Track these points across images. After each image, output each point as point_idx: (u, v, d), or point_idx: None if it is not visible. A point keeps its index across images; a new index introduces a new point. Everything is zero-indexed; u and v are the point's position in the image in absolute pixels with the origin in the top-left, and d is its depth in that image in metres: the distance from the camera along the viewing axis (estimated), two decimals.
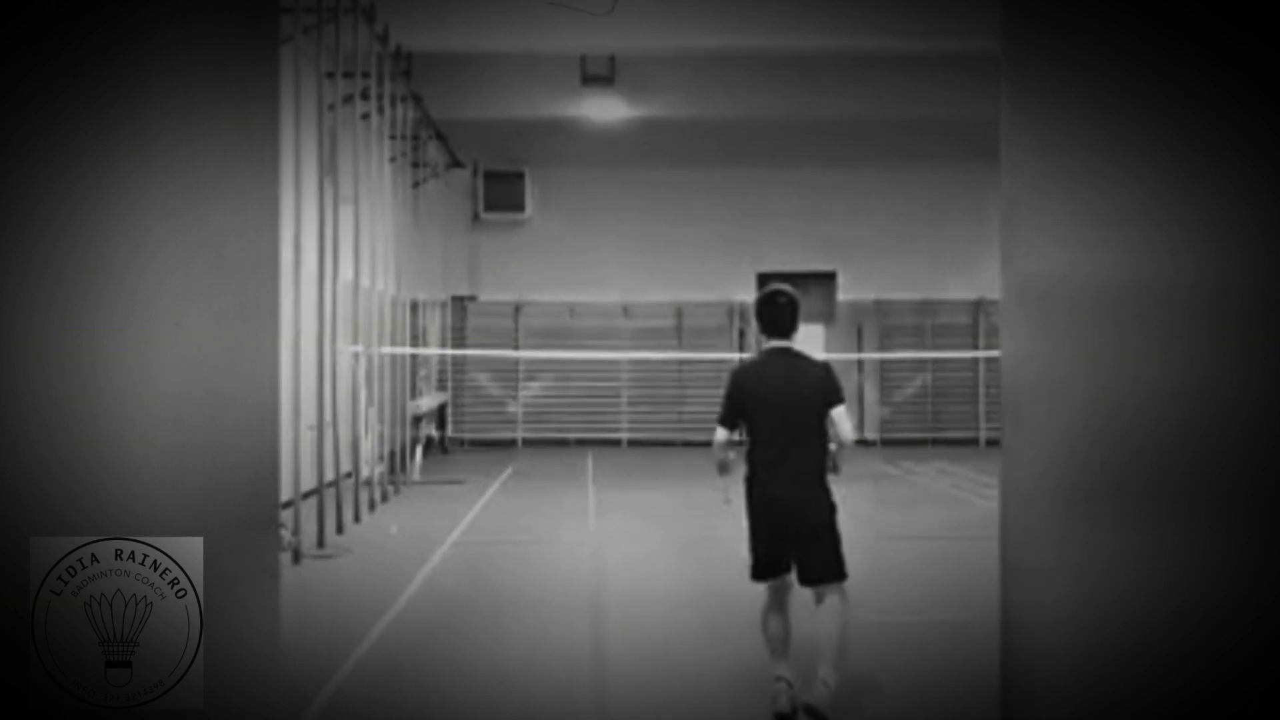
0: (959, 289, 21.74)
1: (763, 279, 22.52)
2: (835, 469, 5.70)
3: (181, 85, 2.97)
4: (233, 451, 2.95)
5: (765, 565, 5.69)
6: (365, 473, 13.28)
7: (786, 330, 5.75)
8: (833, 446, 5.67)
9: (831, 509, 5.65)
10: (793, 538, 5.61)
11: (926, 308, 22.12)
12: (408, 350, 16.91)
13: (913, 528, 12.39)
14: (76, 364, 2.61)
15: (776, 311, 5.76)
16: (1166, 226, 2.83)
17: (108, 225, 2.68)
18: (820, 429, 5.64)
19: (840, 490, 5.83)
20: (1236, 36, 2.60)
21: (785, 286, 5.91)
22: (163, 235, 2.80)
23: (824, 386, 5.67)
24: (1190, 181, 2.72)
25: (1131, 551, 3.01)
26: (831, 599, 5.59)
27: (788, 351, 5.73)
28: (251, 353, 3.15)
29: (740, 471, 5.73)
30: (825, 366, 5.81)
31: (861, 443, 21.81)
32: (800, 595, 5.78)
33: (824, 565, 5.60)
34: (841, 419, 5.64)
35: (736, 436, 5.72)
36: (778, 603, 5.75)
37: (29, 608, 2.50)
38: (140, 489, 2.67)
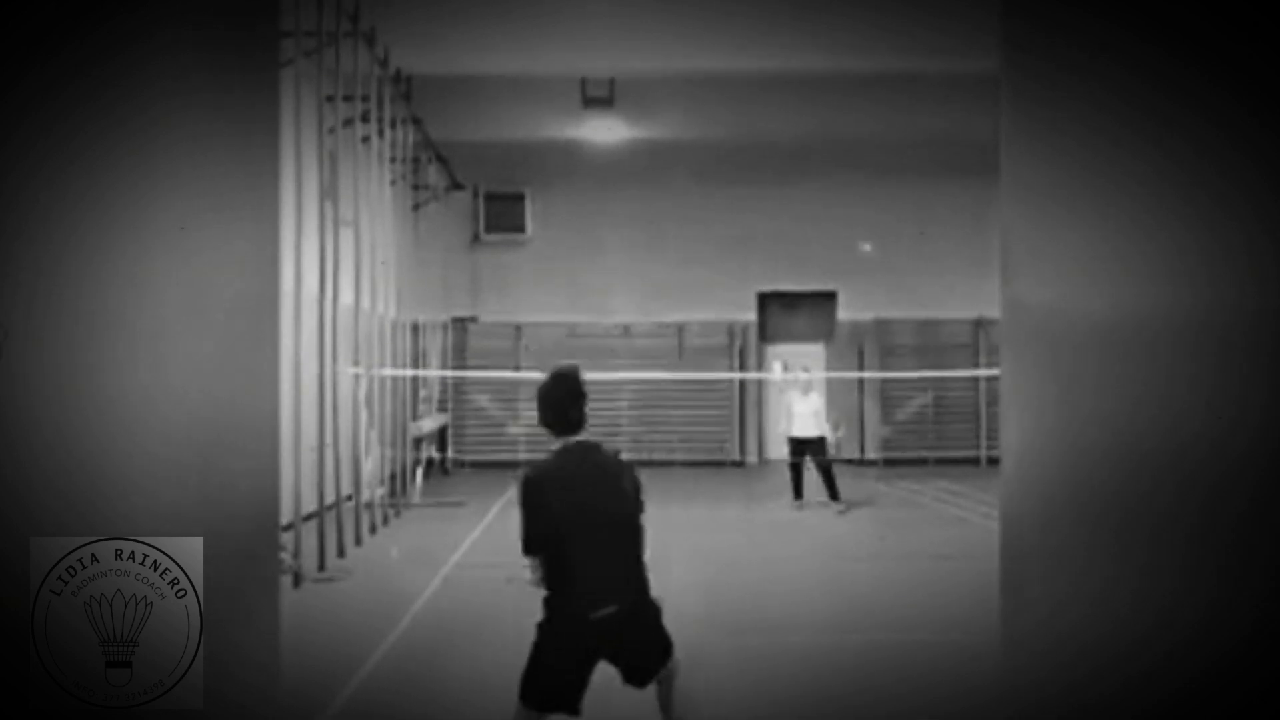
0: (959, 308, 21.76)
1: (763, 298, 22.59)
2: None
3: (183, 115, 3.01)
4: (233, 451, 2.95)
5: (554, 695, 4.67)
6: (366, 495, 13.26)
7: (577, 422, 4.81)
8: None
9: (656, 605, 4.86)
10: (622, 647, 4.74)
11: (927, 326, 22.13)
12: (408, 372, 16.93)
13: (911, 547, 12.36)
14: (76, 366, 2.62)
15: (562, 399, 4.82)
16: (1163, 259, 2.83)
17: (107, 222, 2.70)
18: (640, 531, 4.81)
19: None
20: (1239, 38, 2.61)
21: (568, 365, 5.00)
22: (165, 231, 2.81)
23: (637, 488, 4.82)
24: (1189, 214, 2.72)
25: (1109, 571, 3.03)
26: (678, 681, 4.87)
27: (586, 446, 4.81)
28: (253, 356, 3.16)
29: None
30: (631, 464, 4.92)
31: (862, 462, 21.82)
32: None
33: (657, 653, 4.82)
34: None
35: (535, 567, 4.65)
36: None
37: (29, 608, 2.49)
38: (140, 489, 2.67)
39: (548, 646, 4.64)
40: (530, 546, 4.64)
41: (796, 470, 15.11)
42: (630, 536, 4.74)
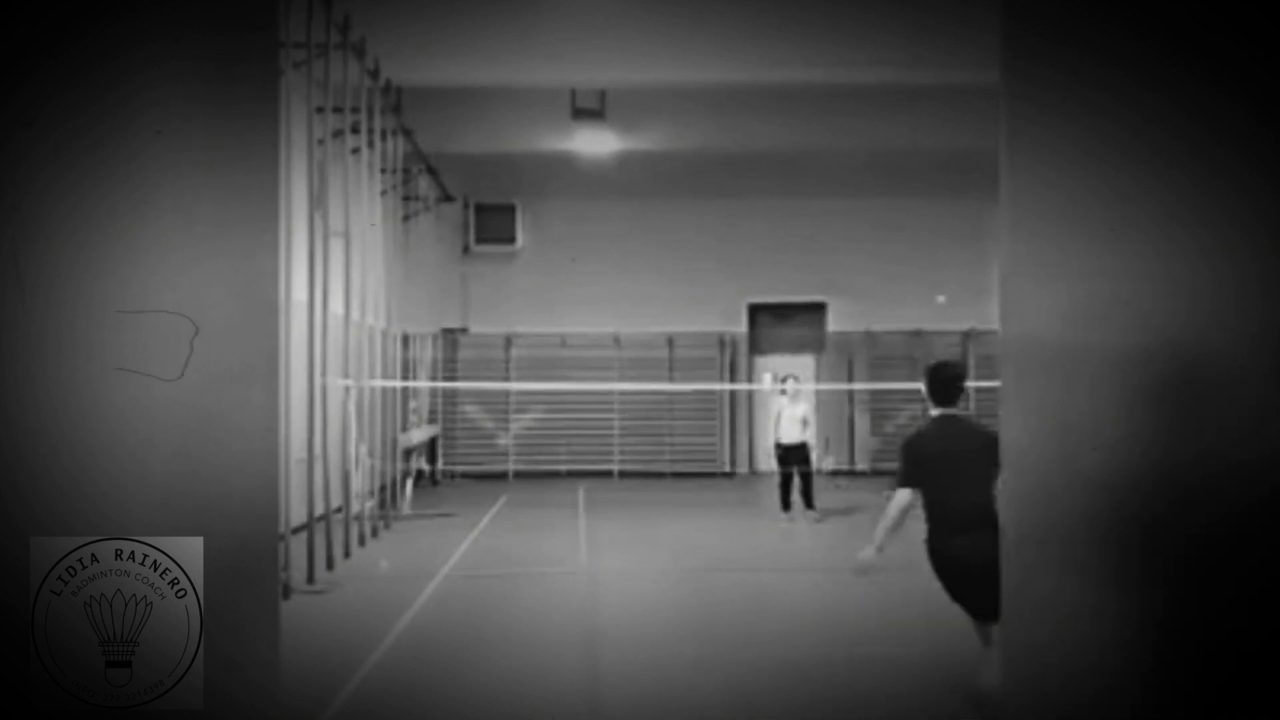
0: (950, 319, 21.82)
1: (754, 309, 22.65)
2: None
3: (183, 124, 3.01)
4: (234, 451, 2.94)
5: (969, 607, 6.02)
6: (355, 507, 13.22)
7: (952, 398, 6.25)
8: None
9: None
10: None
11: (917, 338, 22.19)
12: (398, 383, 16.90)
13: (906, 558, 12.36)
14: (75, 367, 2.61)
15: (946, 378, 6.25)
16: (1167, 275, 2.83)
17: (108, 224, 2.70)
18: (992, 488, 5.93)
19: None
20: (1250, 47, 2.61)
21: (952, 358, 6.31)
22: (166, 233, 2.81)
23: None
24: (1195, 227, 2.72)
25: (1108, 582, 3.05)
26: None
27: (957, 416, 6.24)
28: (254, 356, 3.15)
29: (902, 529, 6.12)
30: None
31: (851, 473, 21.90)
32: None
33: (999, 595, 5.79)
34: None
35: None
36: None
37: (29, 608, 2.49)
38: (140, 489, 2.66)
39: (937, 573, 6.05)
40: (903, 481, 6.10)
41: (785, 481, 15.21)
42: (983, 488, 5.84)
